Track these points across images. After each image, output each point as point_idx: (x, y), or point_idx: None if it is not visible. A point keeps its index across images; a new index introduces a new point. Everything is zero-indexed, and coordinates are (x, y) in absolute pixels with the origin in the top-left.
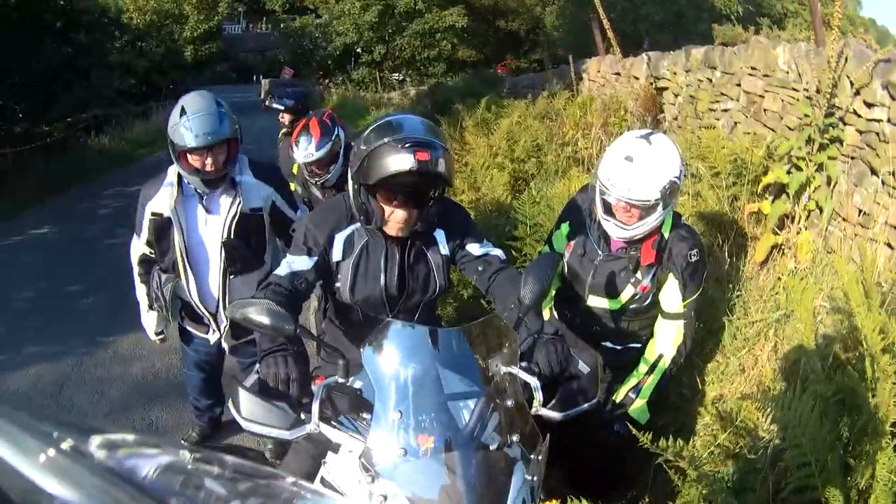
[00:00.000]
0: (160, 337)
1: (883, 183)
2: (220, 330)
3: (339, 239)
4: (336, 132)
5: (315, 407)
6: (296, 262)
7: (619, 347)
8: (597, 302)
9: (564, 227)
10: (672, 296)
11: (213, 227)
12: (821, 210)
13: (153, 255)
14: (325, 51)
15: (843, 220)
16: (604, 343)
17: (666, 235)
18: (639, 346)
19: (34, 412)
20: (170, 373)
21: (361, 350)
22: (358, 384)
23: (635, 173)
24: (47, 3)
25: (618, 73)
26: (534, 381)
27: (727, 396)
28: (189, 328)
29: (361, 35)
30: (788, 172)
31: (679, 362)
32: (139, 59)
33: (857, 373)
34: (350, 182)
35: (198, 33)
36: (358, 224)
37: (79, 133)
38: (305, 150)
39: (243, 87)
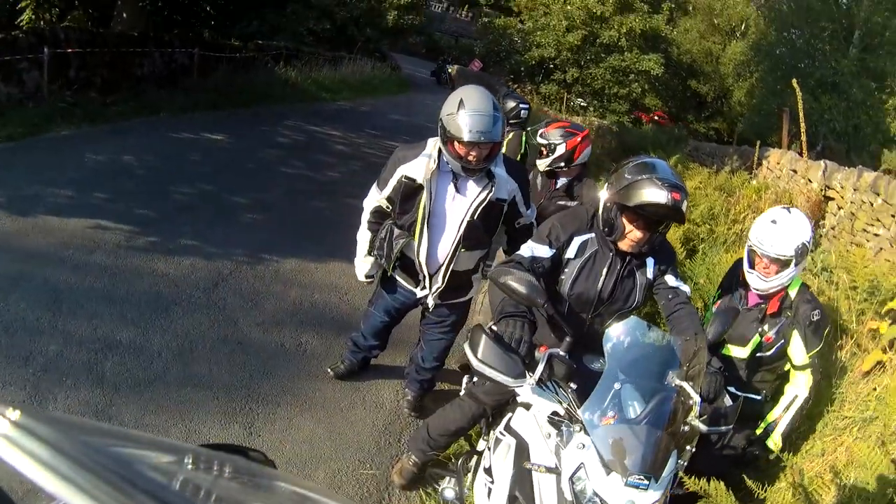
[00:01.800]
0: (369, 280)
1: None
2: (430, 288)
3: (577, 241)
4: (566, 140)
5: (540, 368)
6: (537, 250)
7: (738, 394)
8: (730, 350)
9: (716, 295)
10: (798, 349)
11: (460, 204)
12: None
13: (388, 210)
14: (521, 57)
15: None
16: (727, 387)
17: (791, 295)
18: (757, 398)
19: (32, 411)
20: (327, 306)
21: (608, 331)
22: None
23: (777, 233)
24: None
25: (794, 171)
26: (696, 398)
27: (805, 470)
28: (399, 278)
29: (560, 53)
30: None
31: (810, 402)
32: (341, 7)
33: None
34: (604, 199)
35: (404, 1)
36: (593, 234)
37: (267, 59)
38: (541, 133)
39: (431, 64)
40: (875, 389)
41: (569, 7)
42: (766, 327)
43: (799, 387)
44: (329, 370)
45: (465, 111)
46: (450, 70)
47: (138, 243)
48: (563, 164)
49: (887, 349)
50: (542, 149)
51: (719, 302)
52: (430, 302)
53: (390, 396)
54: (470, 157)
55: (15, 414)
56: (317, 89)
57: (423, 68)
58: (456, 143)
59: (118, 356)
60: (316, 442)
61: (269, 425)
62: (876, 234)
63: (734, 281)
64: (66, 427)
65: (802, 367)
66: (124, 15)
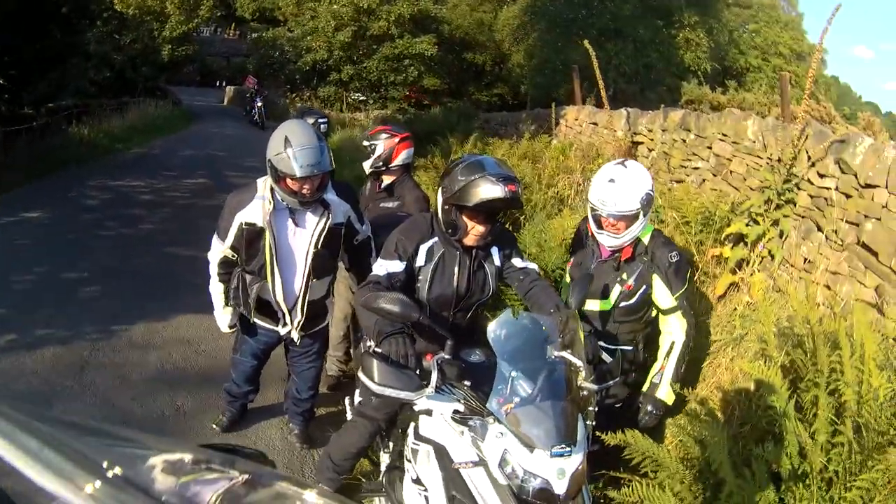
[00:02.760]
0: (233, 329)
1: (826, 238)
2: (292, 323)
3: (423, 248)
4: (384, 141)
5: (434, 375)
6: (390, 266)
7: (611, 348)
8: (591, 305)
9: (571, 259)
10: (662, 293)
11: (302, 237)
12: (772, 257)
13: (234, 259)
14: (295, 65)
15: (791, 266)
16: (600, 344)
17: (644, 241)
18: (629, 349)
19: (30, 411)
20: (187, 362)
21: (489, 329)
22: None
23: (618, 190)
24: None
25: (595, 123)
26: (578, 363)
27: (693, 398)
28: (258, 322)
29: (332, 54)
30: (748, 225)
31: (689, 346)
32: (117, 52)
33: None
34: (440, 203)
35: (177, 33)
36: (436, 238)
37: (60, 120)
38: (365, 136)
39: (207, 90)
40: (735, 309)
41: (335, 6)
42: (624, 275)
43: (674, 332)
44: (214, 426)
45: (292, 148)
46: (228, 91)
47: (0, 345)
48: (381, 164)
49: (736, 270)
50: (368, 151)
51: (571, 261)
52: (295, 336)
53: (278, 435)
54: (304, 191)
55: (20, 417)
56: (109, 141)
57: (201, 96)
58: (289, 180)
59: None
60: None
61: None
62: (695, 168)
63: (582, 239)
64: (68, 428)
65: (671, 310)
66: None
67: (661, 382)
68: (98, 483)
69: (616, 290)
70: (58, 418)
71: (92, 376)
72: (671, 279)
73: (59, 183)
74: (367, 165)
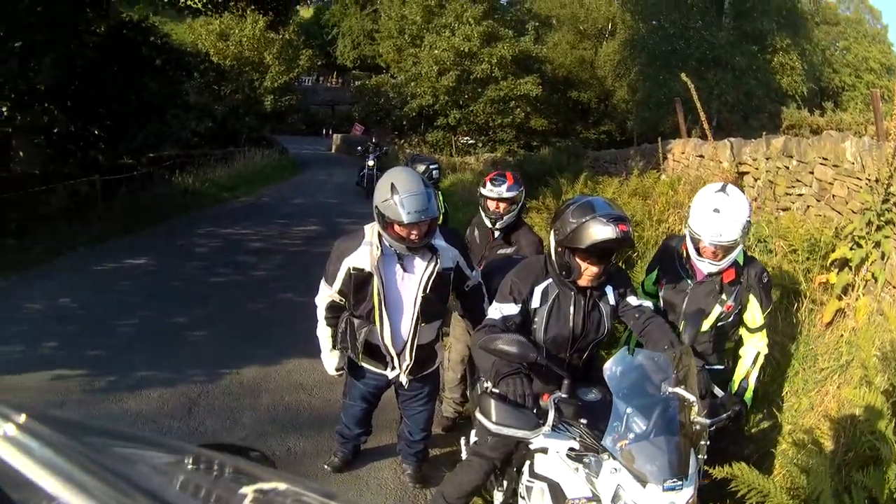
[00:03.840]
0: (340, 372)
1: None
2: (401, 367)
3: (538, 290)
4: (522, 188)
5: (551, 413)
6: (505, 309)
7: (697, 367)
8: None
9: (654, 273)
10: (755, 312)
11: (410, 282)
12: (876, 280)
13: (342, 303)
14: (401, 111)
15: (894, 287)
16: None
17: (741, 262)
18: (721, 368)
19: (30, 411)
20: (300, 405)
21: (605, 368)
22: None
23: (721, 222)
24: (147, 38)
25: (701, 156)
26: (692, 398)
27: (800, 428)
28: (366, 365)
29: (437, 98)
30: (851, 249)
31: (766, 359)
32: (217, 102)
33: None
34: (553, 245)
35: (278, 83)
36: (551, 280)
37: (163, 171)
38: (498, 188)
39: (313, 139)
40: (842, 336)
41: (437, 52)
42: (724, 296)
43: (758, 345)
44: (326, 466)
45: (398, 195)
46: (335, 139)
47: (101, 386)
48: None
49: (842, 296)
50: (502, 203)
51: (663, 282)
52: (404, 380)
53: (391, 475)
54: (412, 237)
55: (20, 417)
56: (216, 190)
57: (308, 145)
58: (396, 226)
59: None
60: None
61: None
62: (800, 195)
63: (673, 260)
64: (69, 428)
65: (758, 329)
66: (21, 154)
67: (748, 387)
68: (99, 483)
69: (716, 311)
70: (58, 418)
71: (201, 418)
72: (763, 298)
73: (165, 231)
74: (511, 217)
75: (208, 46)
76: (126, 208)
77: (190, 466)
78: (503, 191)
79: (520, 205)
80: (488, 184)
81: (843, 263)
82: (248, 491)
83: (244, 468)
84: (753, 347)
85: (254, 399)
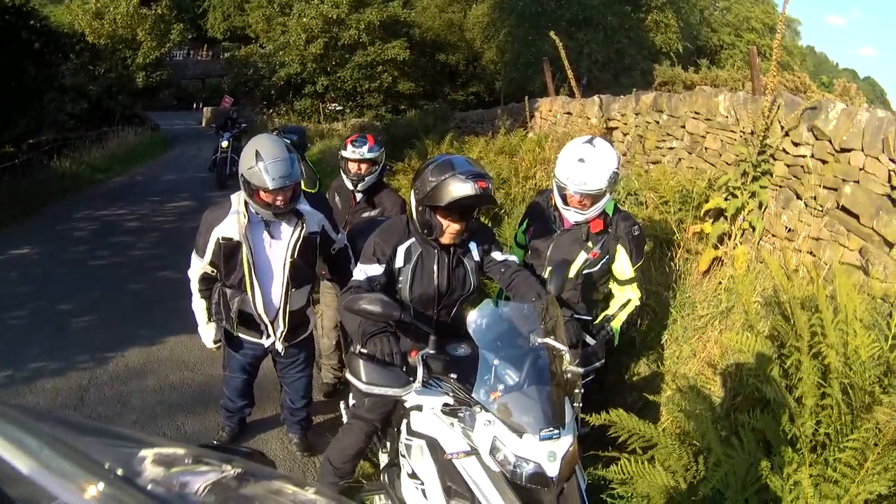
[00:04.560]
0: (217, 345)
1: (805, 205)
2: (275, 335)
3: (401, 250)
4: (383, 149)
5: (420, 370)
6: (369, 270)
7: (565, 317)
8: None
9: (524, 224)
10: (624, 264)
11: (278, 248)
12: (753, 229)
13: (214, 274)
14: (269, 81)
15: (773, 236)
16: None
17: (610, 213)
18: (588, 318)
19: (30, 411)
20: (185, 384)
21: (468, 320)
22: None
23: (587, 170)
24: (27, 22)
25: (569, 113)
26: (562, 348)
27: (682, 375)
28: (242, 335)
29: (305, 66)
30: (726, 199)
31: (639, 313)
32: (92, 83)
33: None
34: (414, 204)
35: (150, 59)
36: (413, 239)
37: (41, 155)
38: (359, 149)
39: (184, 113)
40: (720, 283)
41: (305, 20)
42: (589, 244)
43: (631, 296)
44: (214, 442)
45: (263, 162)
46: (205, 112)
47: None
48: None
49: (718, 245)
50: (363, 165)
51: (531, 229)
52: (279, 346)
53: (278, 446)
54: (278, 202)
55: (21, 416)
56: (91, 172)
57: (179, 120)
58: (262, 193)
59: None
60: None
61: None
62: (671, 148)
63: (543, 210)
64: (68, 428)
65: (628, 281)
66: None
67: (613, 322)
68: (99, 483)
69: (581, 258)
70: (58, 418)
71: (93, 404)
72: (633, 251)
73: (46, 218)
74: (372, 179)
75: (84, 26)
76: (8, 197)
77: (189, 466)
78: (364, 151)
79: (380, 166)
80: (349, 146)
81: (718, 213)
82: (147, 453)
83: (244, 468)
84: (624, 295)
85: (140, 381)
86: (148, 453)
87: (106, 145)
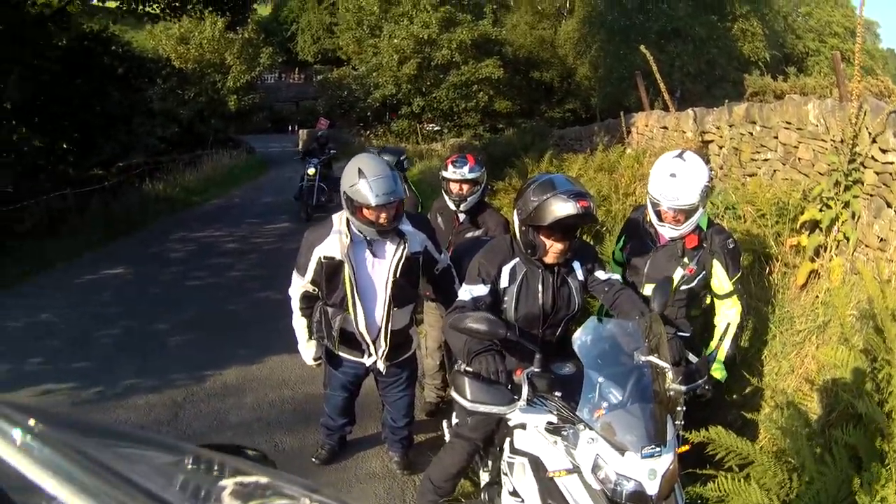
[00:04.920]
0: (318, 362)
1: None
2: (377, 354)
3: (506, 270)
4: (484, 169)
5: (525, 388)
6: (474, 290)
7: (668, 335)
8: (650, 290)
9: (622, 241)
10: (722, 278)
11: (380, 268)
12: (847, 240)
13: (315, 293)
14: (364, 102)
15: (866, 246)
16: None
17: (704, 228)
18: (686, 335)
19: (32, 410)
20: (284, 401)
21: (574, 338)
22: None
23: (679, 185)
24: (108, 48)
25: (665, 127)
26: (665, 365)
27: (781, 391)
28: (343, 354)
29: (400, 87)
30: (820, 210)
31: (743, 328)
32: (182, 107)
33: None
34: (517, 224)
35: (240, 83)
36: (518, 258)
37: (132, 178)
38: (460, 170)
39: (279, 136)
40: (817, 297)
41: (396, 41)
42: (686, 259)
43: (729, 315)
44: (314, 460)
45: (366, 179)
46: (301, 134)
47: (88, 397)
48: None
49: (815, 258)
50: (465, 185)
51: (628, 246)
52: (381, 366)
53: (378, 464)
54: (381, 220)
55: (20, 417)
56: (186, 195)
57: (274, 143)
58: (365, 210)
59: None
60: None
61: None
62: (765, 160)
63: (638, 226)
64: (68, 427)
65: (728, 295)
66: None
67: (714, 361)
68: (99, 483)
69: (678, 273)
70: (58, 417)
71: (187, 421)
72: (729, 264)
73: (139, 239)
74: (474, 199)
75: (169, 51)
76: (99, 220)
77: (190, 466)
78: (465, 172)
79: (482, 186)
80: (450, 166)
81: (814, 225)
82: (228, 483)
83: (244, 468)
84: (724, 318)
85: (238, 399)
86: (228, 483)
87: (200, 168)
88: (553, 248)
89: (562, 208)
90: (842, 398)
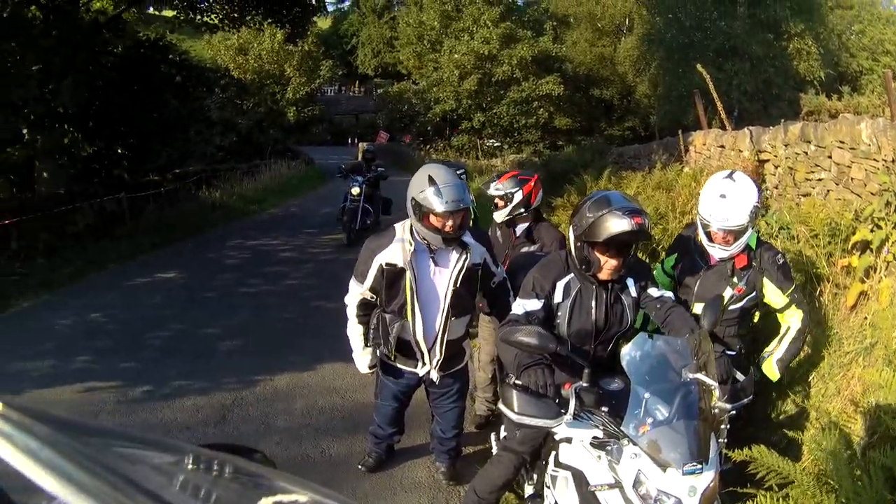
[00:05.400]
0: (372, 370)
1: None
2: (431, 364)
3: (560, 285)
4: (519, 187)
5: (572, 402)
6: (528, 305)
7: (717, 353)
8: (699, 308)
9: (672, 258)
10: (774, 293)
11: (441, 277)
12: None
13: (373, 300)
14: (425, 117)
15: None
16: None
17: (753, 247)
18: (733, 354)
19: (30, 411)
20: (333, 409)
21: (622, 353)
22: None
23: (728, 206)
24: (165, 56)
25: (722, 146)
26: (713, 383)
27: (826, 413)
28: (398, 364)
29: (461, 102)
30: (871, 231)
31: (805, 333)
32: (241, 117)
33: None
34: (573, 240)
35: (300, 95)
36: (572, 274)
37: (189, 186)
38: (492, 184)
39: (339, 149)
40: (866, 318)
41: (456, 56)
42: (735, 279)
43: (791, 322)
44: (360, 467)
45: (435, 186)
46: (361, 147)
47: (135, 396)
48: (522, 209)
49: (865, 279)
50: (499, 201)
51: (679, 265)
52: (434, 375)
53: (424, 474)
54: (447, 228)
55: (18, 416)
56: (243, 203)
57: (334, 155)
58: (432, 217)
59: None
60: None
61: None
62: (819, 179)
63: (689, 245)
64: (69, 428)
65: (784, 307)
66: (45, 175)
67: (769, 358)
68: (99, 483)
69: (727, 293)
70: (58, 418)
71: (235, 424)
72: (780, 279)
73: (194, 245)
74: (502, 215)
75: (227, 61)
76: (153, 224)
77: (190, 466)
78: (491, 188)
79: (516, 202)
80: (492, 183)
81: (865, 246)
82: (267, 503)
83: (244, 468)
84: (785, 323)
85: (287, 404)
86: (149, 457)
87: (258, 178)
88: (607, 265)
89: (617, 225)
90: (883, 420)
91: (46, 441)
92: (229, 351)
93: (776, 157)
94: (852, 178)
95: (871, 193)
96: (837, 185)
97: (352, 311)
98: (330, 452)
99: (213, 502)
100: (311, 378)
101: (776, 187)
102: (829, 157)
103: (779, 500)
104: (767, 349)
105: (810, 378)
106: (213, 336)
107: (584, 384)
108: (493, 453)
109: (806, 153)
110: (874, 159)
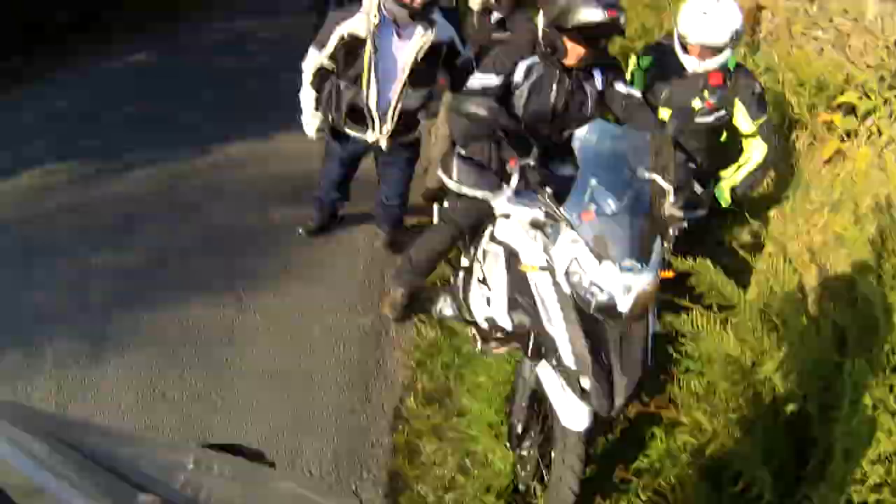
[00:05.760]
0: (320, 134)
1: None
2: (381, 131)
3: (522, 66)
4: None
5: (515, 177)
6: (486, 80)
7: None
8: (666, 115)
9: (648, 59)
10: (744, 118)
11: (404, 50)
12: (880, 134)
13: (330, 68)
14: None
15: None
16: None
17: (731, 68)
18: (693, 166)
19: (35, 412)
20: (283, 176)
21: (576, 135)
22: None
23: (709, 23)
24: None
25: None
26: (668, 187)
27: (783, 250)
28: (348, 129)
29: None
30: (860, 98)
31: (765, 168)
32: None
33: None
34: (542, 23)
35: None
36: (536, 57)
37: None
38: None
39: None
40: (839, 175)
41: None
42: (706, 94)
43: (752, 152)
44: (300, 230)
45: None
46: None
47: (88, 173)
48: None
49: (844, 139)
50: None
51: (652, 71)
52: (383, 143)
53: (365, 240)
54: (415, 2)
55: (22, 417)
56: None
57: None
58: None
59: (103, 281)
60: (305, 302)
61: (258, 298)
62: (815, 38)
63: (665, 51)
64: (70, 428)
65: (752, 135)
66: None
67: (723, 182)
68: (99, 483)
69: (696, 104)
70: (59, 418)
71: (184, 191)
72: (752, 106)
73: (176, 28)
74: (478, 2)
75: None
76: (135, 11)
77: (190, 466)
78: None
79: None
80: None
81: (850, 109)
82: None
83: (244, 468)
84: (747, 153)
85: (239, 172)
86: (150, 457)
87: None
88: (574, 52)
89: (589, 14)
90: (840, 277)
91: (47, 442)
92: (190, 123)
93: (776, 6)
94: (850, 45)
95: (867, 65)
96: (833, 47)
97: (307, 77)
98: (274, 219)
99: (213, 502)
100: (266, 146)
101: (770, 34)
102: (831, 20)
103: (717, 322)
104: (724, 173)
105: (771, 214)
106: (176, 109)
107: (532, 163)
108: (434, 223)
109: (807, 11)
110: (877, 36)
